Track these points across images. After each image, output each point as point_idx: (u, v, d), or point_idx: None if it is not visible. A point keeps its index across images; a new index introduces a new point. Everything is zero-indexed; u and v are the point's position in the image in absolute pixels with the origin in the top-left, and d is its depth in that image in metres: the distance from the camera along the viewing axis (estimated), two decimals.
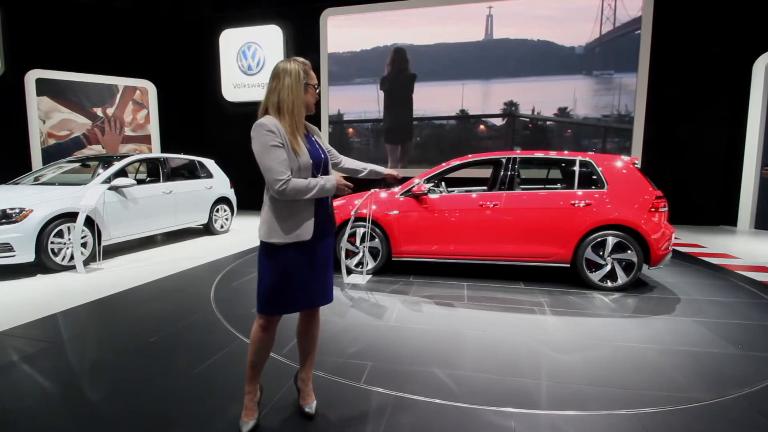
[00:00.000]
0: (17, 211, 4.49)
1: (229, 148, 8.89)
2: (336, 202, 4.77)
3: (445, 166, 4.72)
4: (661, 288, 4.27)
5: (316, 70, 1.91)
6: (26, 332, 3.08)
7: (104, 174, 5.43)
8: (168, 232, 6.92)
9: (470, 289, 4.21)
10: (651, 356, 2.74)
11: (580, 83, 8.58)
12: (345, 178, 1.95)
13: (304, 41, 10.10)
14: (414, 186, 4.60)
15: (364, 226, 4.54)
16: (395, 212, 4.59)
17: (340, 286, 4.26)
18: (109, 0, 9.88)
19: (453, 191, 5.06)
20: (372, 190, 4.60)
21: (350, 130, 10.17)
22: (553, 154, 4.63)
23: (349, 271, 4.64)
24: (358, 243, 4.66)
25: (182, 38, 10.83)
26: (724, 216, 8.35)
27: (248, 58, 10.44)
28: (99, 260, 5.14)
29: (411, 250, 4.61)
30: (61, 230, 4.78)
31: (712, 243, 6.63)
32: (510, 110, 8.99)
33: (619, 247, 4.11)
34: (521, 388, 2.34)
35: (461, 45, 9.16)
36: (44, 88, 9.43)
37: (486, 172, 5.68)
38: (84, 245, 4.95)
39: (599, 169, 4.31)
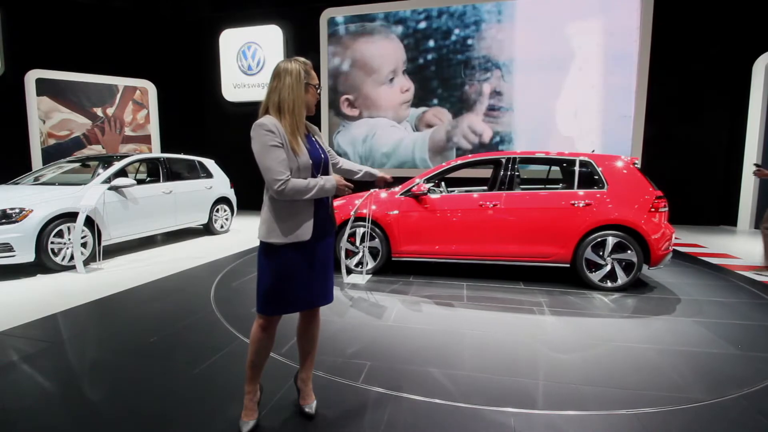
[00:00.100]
0: (17, 211, 4.49)
1: (229, 148, 8.90)
2: (336, 202, 4.77)
3: (445, 165, 4.72)
4: (661, 288, 4.27)
5: (317, 70, 1.92)
6: (26, 332, 3.08)
7: (104, 174, 5.43)
8: (168, 232, 6.92)
9: (470, 289, 4.21)
10: (651, 356, 2.74)
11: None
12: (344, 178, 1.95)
13: (304, 41, 10.10)
14: (414, 186, 4.60)
15: (364, 226, 4.54)
16: (395, 212, 4.59)
17: (339, 286, 4.26)
18: (109, 0, 9.88)
19: (453, 191, 5.06)
20: (372, 190, 4.60)
21: None
22: (553, 154, 4.63)
23: (349, 271, 4.64)
24: (357, 243, 4.66)
25: (182, 38, 10.84)
26: (724, 216, 8.35)
27: (248, 58, 10.45)
28: (99, 260, 5.14)
29: (411, 250, 4.61)
30: (61, 230, 4.78)
31: (712, 243, 6.64)
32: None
33: (619, 247, 4.11)
34: (520, 387, 2.34)
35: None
36: (44, 88, 9.43)
37: (486, 172, 5.68)
38: (84, 245, 4.95)
39: (599, 169, 4.31)
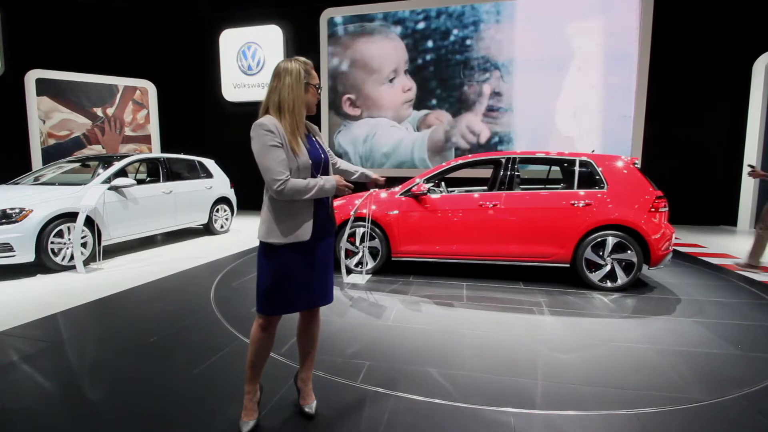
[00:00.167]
0: (17, 211, 4.49)
1: (229, 148, 8.89)
2: (336, 202, 4.77)
3: (445, 165, 4.72)
4: (661, 288, 4.27)
5: (317, 70, 1.91)
6: (26, 332, 3.08)
7: (104, 174, 5.43)
8: (168, 232, 6.92)
9: (469, 289, 4.21)
10: (650, 356, 2.74)
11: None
12: None
13: (304, 41, 10.10)
14: (414, 186, 4.60)
15: (364, 226, 4.54)
16: (395, 212, 4.59)
17: (339, 286, 4.26)
18: (109, 0, 9.88)
19: (453, 191, 5.06)
20: (372, 190, 4.60)
21: None
22: (553, 154, 4.63)
23: (349, 271, 4.64)
24: (357, 243, 4.67)
25: (182, 38, 10.84)
26: (724, 216, 8.35)
27: (248, 58, 10.45)
28: (99, 260, 5.14)
29: (410, 250, 4.61)
30: (61, 230, 4.78)
31: (712, 243, 6.64)
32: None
33: (619, 247, 4.11)
34: (520, 388, 2.34)
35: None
36: (44, 88, 9.43)
37: (486, 173, 5.68)
38: (84, 245, 4.95)
39: (599, 169, 4.31)
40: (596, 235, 4.14)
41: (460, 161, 4.71)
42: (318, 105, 1.95)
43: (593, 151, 5.46)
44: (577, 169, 4.40)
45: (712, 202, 8.38)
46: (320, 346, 2.23)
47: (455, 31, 9.14)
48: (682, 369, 2.57)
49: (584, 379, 2.44)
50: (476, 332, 3.13)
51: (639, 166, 4.47)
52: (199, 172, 7.15)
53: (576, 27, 8.50)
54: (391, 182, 5.34)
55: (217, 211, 7.41)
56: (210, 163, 7.47)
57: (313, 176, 1.83)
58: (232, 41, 10.52)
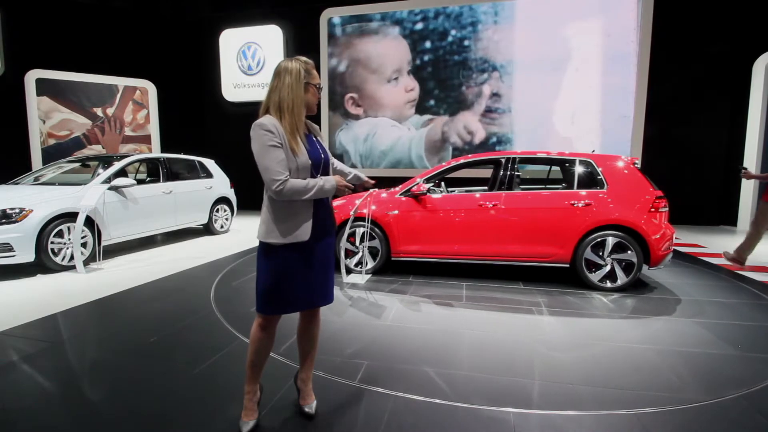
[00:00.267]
0: (17, 211, 4.49)
1: (229, 148, 8.90)
2: (336, 202, 4.77)
3: (445, 165, 4.72)
4: (661, 288, 4.27)
5: (317, 70, 1.91)
6: (26, 332, 3.08)
7: (104, 174, 5.43)
8: (168, 232, 6.92)
9: (469, 289, 4.21)
10: (650, 357, 2.74)
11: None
12: None
13: (304, 41, 10.10)
14: (414, 186, 4.60)
15: (364, 226, 4.54)
16: (395, 212, 4.59)
17: (339, 286, 4.26)
18: (109, 0, 9.88)
19: (453, 191, 5.06)
20: (371, 190, 4.60)
21: None
22: (553, 154, 4.63)
23: (349, 271, 4.64)
24: (357, 242, 4.67)
25: (182, 38, 10.84)
26: (724, 216, 8.35)
27: (248, 58, 10.45)
28: (99, 260, 5.14)
29: (410, 249, 4.61)
30: (61, 230, 4.78)
31: (712, 243, 6.63)
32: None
33: (618, 248, 4.11)
34: (519, 387, 2.34)
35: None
36: (44, 88, 9.44)
37: (486, 173, 5.69)
38: (84, 245, 4.95)
39: (599, 169, 4.31)
40: (596, 235, 4.14)
41: (461, 161, 4.71)
42: (318, 104, 1.95)
43: (593, 151, 5.46)
44: (577, 169, 4.40)
45: (712, 202, 8.38)
46: (320, 346, 2.23)
47: (453, 32, 9.15)
48: (682, 369, 2.57)
49: (584, 379, 2.44)
50: (475, 332, 3.13)
51: (639, 166, 4.47)
52: (199, 172, 7.15)
53: (574, 27, 8.51)
54: (390, 182, 5.35)
55: (217, 211, 7.41)
56: (210, 163, 7.47)
57: (313, 176, 1.83)
58: (232, 41, 10.52)
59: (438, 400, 2.20)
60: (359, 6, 9.58)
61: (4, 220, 4.40)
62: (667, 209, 4.18)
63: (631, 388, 2.34)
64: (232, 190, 7.81)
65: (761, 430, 1.99)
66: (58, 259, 4.75)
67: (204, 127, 11.10)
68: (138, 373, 2.51)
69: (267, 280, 1.82)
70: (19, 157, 9.11)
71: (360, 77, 9.80)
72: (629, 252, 4.08)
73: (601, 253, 4.16)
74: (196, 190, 6.89)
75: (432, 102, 9.42)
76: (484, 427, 1.99)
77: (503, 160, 4.57)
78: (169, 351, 2.80)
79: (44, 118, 9.51)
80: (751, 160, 7.85)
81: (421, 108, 9.50)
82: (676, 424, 2.01)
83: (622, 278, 4.13)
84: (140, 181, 6.17)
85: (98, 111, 10.07)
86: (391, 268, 4.91)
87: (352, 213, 4.43)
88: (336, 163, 2.17)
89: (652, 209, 4.09)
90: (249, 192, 7.03)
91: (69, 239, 4.82)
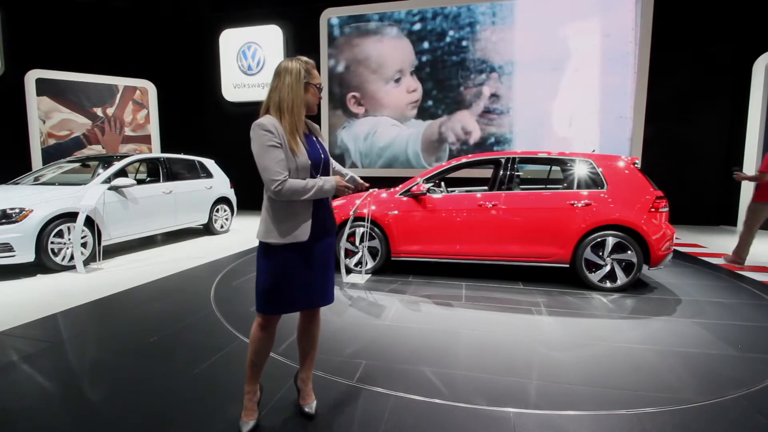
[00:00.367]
0: (17, 211, 4.49)
1: (229, 148, 8.90)
2: (336, 202, 4.78)
3: (445, 165, 4.72)
4: (661, 288, 4.27)
5: (317, 70, 1.91)
6: (26, 332, 3.08)
7: (104, 174, 5.43)
8: (168, 232, 6.92)
9: (468, 289, 4.21)
10: (650, 357, 2.74)
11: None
12: None
13: (304, 41, 10.10)
14: (414, 186, 4.60)
15: (364, 226, 4.54)
16: (395, 212, 4.59)
17: (339, 285, 4.26)
18: (109, 0, 9.88)
19: (453, 191, 5.06)
20: (371, 190, 4.60)
21: None
22: (553, 154, 4.63)
23: (349, 271, 4.64)
24: (357, 242, 4.67)
25: (182, 38, 10.84)
26: (724, 216, 8.35)
27: (248, 58, 10.45)
28: (99, 260, 5.14)
29: (410, 249, 4.61)
30: (61, 230, 4.78)
31: (712, 243, 6.64)
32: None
33: (618, 248, 4.11)
34: (519, 387, 2.34)
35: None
36: (44, 88, 9.44)
37: (486, 173, 5.69)
38: (84, 245, 4.95)
39: (599, 169, 4.31)
40: (596, 235, 4.14)
41: (461, 161, 4.71)
42: (318, 104, 1.95)
43: (593, 151, 5.46)
44: (577, 169, 4.40)
45: (712, 202, 8.38)
46: (319, 346, 2.23)
47: (451, 32, 9.14)
48: (682, 369, 2.57)
49: (583, 380, 2.44)
50: (475, 332, 3.14)
51: (639, 166, 4.46)
52: (199, 172, 7.15)
53: (573, 28, 8.51)
54: (390, 182, 5.35)
55: (217, 211, 7.41)
56: (210, 163, 7.47)
57: (313, 176, 1.83)
58: (232, 41, 10.52)
59: (437, 400, 2.20)
60: (359, 6, 9.58)
61: (4, 220, 4.40)
62: (667, 209, 4.18)
63: (630, 389, 2.34)
64: (232, 190, 7.81)
65: (761, 430, 1.99)
66: (58, 259, 4.75)
67: (204, 127, 11.10)
68: (138, 373, 2.51)
69: (267, 280, 1.82)
70: (19, 157, 9.12)
71: (361, 77, 9.80)
72: (629, 252, 4.08)
73: (601, 253, 4.16)
74: (196, 190, 6.90)
75: (430, 102, 9.42)
76: (483, 427, 1.99)
77: (503, 160, 4.57)
78: (169, 351, 2.80)
79: (44, 118, 9.51)
80: (751, 160, 7.85)
81: (421, 110, 9.49)
82: (675, 424, 2.01)
83: (622, 278, 4.12)
84: (140, 181, 6.17)
85: (98, 111, 10.07)
86: (391, 268, 4.91)
87: (352, 213, 4.43)
88: (334, 164, 2.17)
89: (652, 209, 4.09)
90: (249, 192, 7.03)
91: (69, 239, 4.83)
